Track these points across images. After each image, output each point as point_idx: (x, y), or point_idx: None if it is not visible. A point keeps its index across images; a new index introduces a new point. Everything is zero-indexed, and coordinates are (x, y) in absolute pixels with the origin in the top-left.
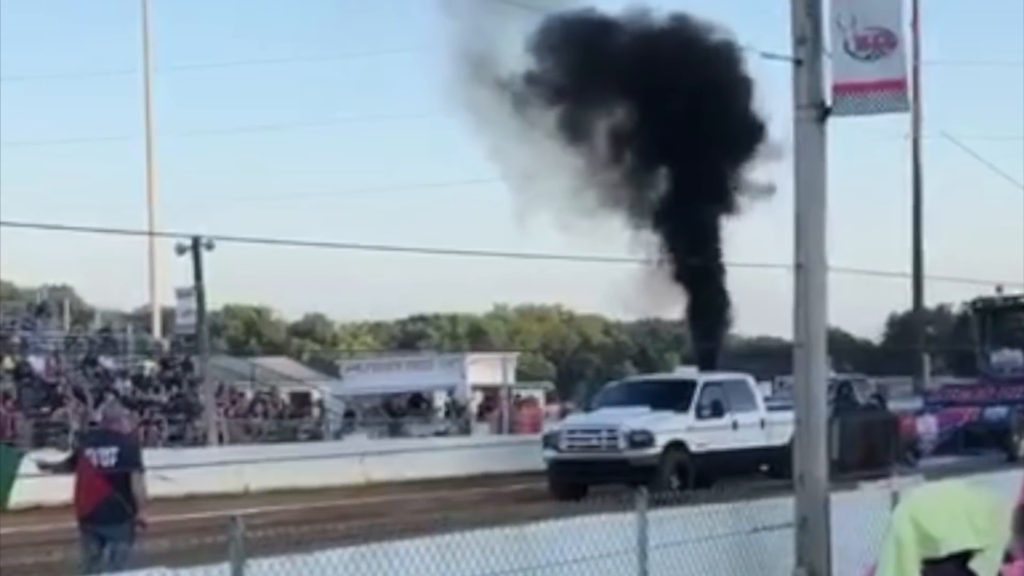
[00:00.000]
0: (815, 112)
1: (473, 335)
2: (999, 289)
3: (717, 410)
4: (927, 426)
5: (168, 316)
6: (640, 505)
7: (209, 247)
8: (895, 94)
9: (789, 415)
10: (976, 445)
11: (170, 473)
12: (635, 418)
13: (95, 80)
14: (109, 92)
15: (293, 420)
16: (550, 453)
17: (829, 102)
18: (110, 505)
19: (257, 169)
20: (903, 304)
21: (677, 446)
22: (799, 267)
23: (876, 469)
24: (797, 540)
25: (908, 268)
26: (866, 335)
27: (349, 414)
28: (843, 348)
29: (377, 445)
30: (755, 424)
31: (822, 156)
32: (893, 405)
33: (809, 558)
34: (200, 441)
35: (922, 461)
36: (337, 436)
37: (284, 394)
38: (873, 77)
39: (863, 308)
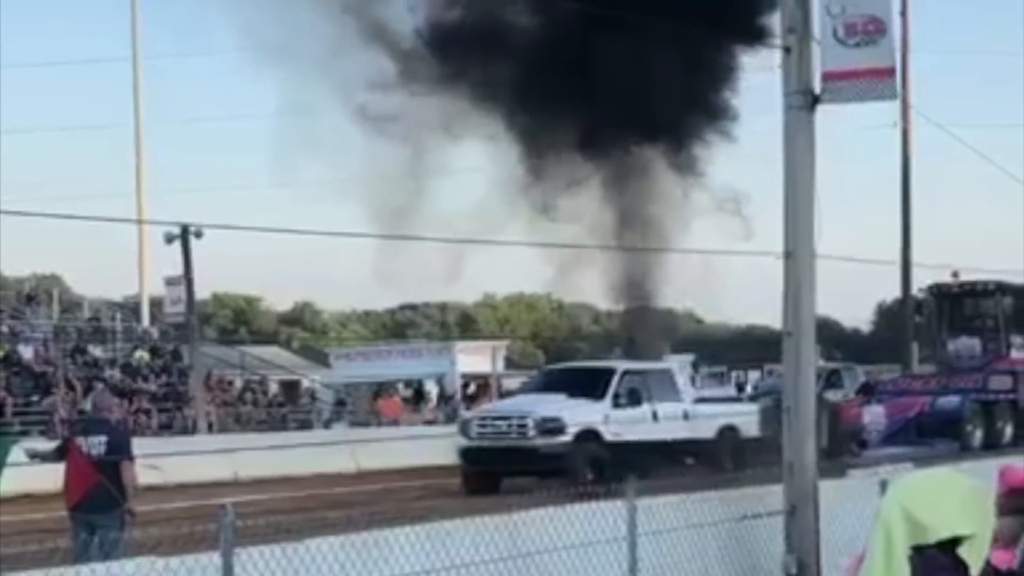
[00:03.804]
0: (804, 99)
1: (463, 324)
2: (955, 274)
3: (635, 399)
4: (874, 416)
5: (157, 305)
6: (629, 492)
7: (198, 235)
8: (884, 81)
9: (717, 408)
10: (928, 435)
11: (159, 462)
12: (547, 405)
13: (84, 68)
14: (98, 80)
15: (283, 408)
16: (462, 441)
17: (818, 90)
18: (100, 493)
19: (247, 156)
20: (892, 292)
21: (590, 435)
22: (788, 255)
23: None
24: (786, 528)
25: (897, 255)
26: (856, 323)
27: (340, 403)
28: (832, 336)
29: (367, 433)
30: (677, 416)
31: (811, 144)
32: (839, 394)
33: (798, 545)
34: (190, 430)
35: (869, 452)
36: (327, 425)
37: (274, 383)
38: (862, 64)
39: (853, 296)
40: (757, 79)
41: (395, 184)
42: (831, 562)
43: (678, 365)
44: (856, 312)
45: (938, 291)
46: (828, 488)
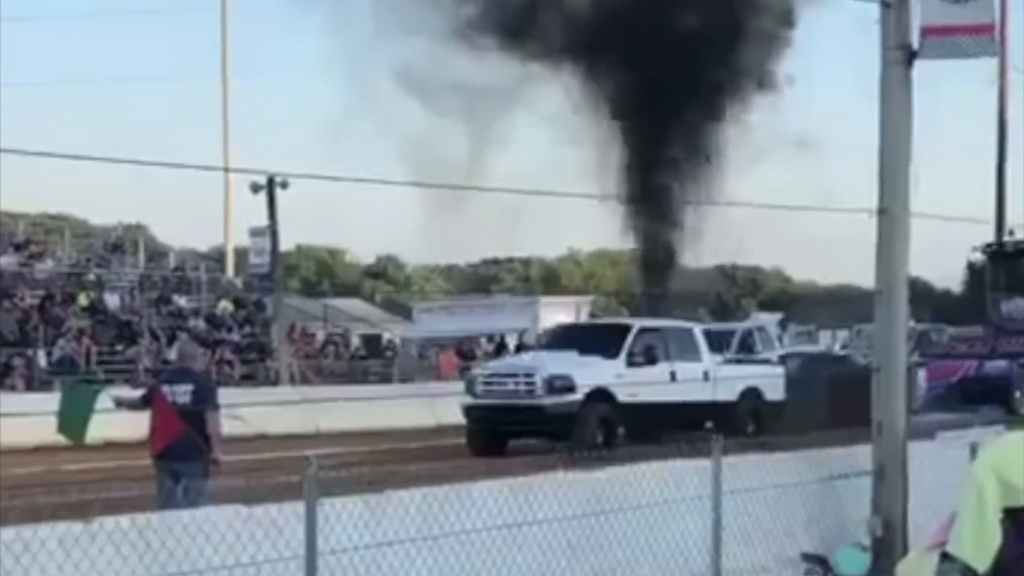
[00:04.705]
0: (902, 55)
1: (547, 279)
2: (1011, 233)
3: (651, 358)
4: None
5: (242, 256)
6: (716, 451)
7: (283, 186)
8: (983, 38)
9: (741, 369)
10: (973, 401)
11: (241, 412)
12: (557, 362)
13: (171, 17)
14: (185, 30)
15: (365, 361)
16: (467, 399)
17: (916, 45)
18: (184, 442)
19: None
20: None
21: (602, 395)
22: (882, 212)
23: (844, 427)
24: (874, 489)
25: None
26: (947, 284)
27: (420, 357)
28: (921, 295)
29: (446, 388)
30: (697, 377)
31: (908, 100)
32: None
33: (885, 508)
34: (272, 381)
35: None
36: (403, 379)
37: (356, 336)
38: (961, 20)
39: (945, 255)
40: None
41: (460, 143)
42: (916, 525)
43: (766, 323)
44: (948, 272)
45: (992, 249)
46: (916, 450)
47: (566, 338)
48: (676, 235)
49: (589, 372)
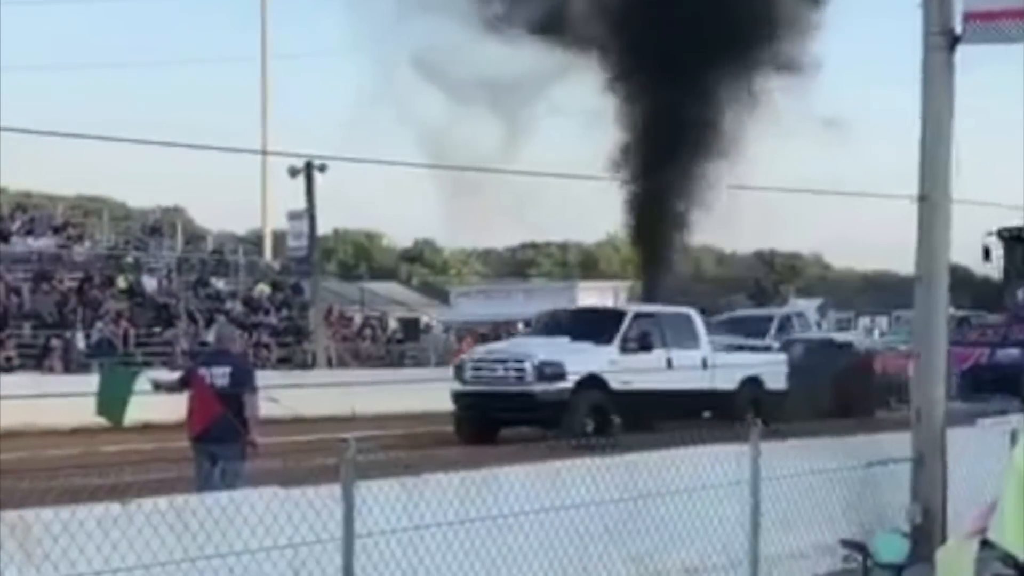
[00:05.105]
0: (944, 40)
1: (585, 264)
2: None
3: (646, 345)
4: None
5: (279, 239)
6: (753, 436)
7: (321, 169)
8: None
9: (741, 357)
10: (985, 390)
11: (277, 395)
12: (548, 348)
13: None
14: (224, 14)
15: (402, 345)
16: (456, 385)
17: (959, 30)
18: (222, 424)
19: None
20: None
21: (594, 382)
22: (923, 199)
23: (849, 417)
24: (913, 476)
25: None
26: (986, 270)
27: (459, 340)
28: (963, 282)
29: None
30: (695, 364)
31: (950, 85)
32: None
33: (924, 494)
34: (308, 364)
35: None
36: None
37: (393, 319)
38: (1005, 5)
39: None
40: None
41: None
42: (955, 512)
43: (804, 309)
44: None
45: (1008, 235)
46: (955, 437)
47: (558, 324)
48: (678, 216)
49: (581, 358)
